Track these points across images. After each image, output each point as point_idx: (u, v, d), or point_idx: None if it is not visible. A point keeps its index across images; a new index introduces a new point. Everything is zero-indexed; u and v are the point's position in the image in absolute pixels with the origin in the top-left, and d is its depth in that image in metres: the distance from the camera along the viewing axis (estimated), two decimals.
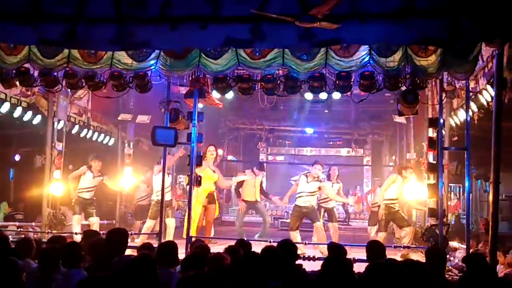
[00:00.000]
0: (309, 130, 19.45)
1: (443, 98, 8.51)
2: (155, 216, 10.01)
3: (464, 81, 7.95)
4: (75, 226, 10.28)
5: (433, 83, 9.65)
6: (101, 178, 10.98)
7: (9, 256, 4.76)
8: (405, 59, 7.25)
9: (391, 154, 19.18)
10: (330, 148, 21.94)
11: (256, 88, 8.33)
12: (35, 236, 9.40)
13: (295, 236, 9.78)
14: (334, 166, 12.00)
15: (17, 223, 10.96)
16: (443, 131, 8.56)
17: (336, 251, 5.69)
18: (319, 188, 10.31)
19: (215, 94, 9.20)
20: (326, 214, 11.14)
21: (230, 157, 20.88)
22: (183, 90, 9.26)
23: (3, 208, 12.21)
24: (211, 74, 7.98)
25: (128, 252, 5.32)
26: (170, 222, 10.24)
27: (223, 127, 19.90)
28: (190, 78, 8.36)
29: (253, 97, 9.15)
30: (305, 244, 9.23)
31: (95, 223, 10.56)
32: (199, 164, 8.64)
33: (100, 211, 13.59)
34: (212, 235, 10.46)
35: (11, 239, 8.06)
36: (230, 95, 9.05)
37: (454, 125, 10.05)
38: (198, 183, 8.69)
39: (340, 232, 11.45)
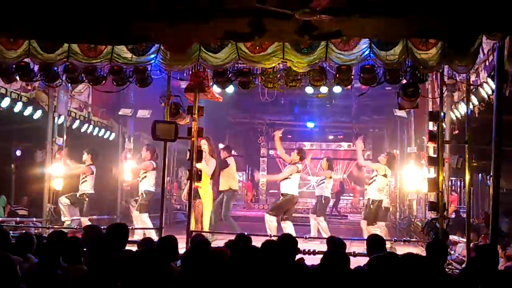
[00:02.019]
0: (310, 124, 19.44)
1: (443, 91, 8.49)
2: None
3: (464, 74, 7.93)
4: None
5: (434, 77, 9.64)
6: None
7: (10, 251, 4.76)
8: (406, 52, 7.21)
9: (392, 148, 19.16)
10: (331, 142, 21.97)
11: (257, 82, 8.31)
12: (36, 231, 9.42)
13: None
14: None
15: (17, 219, 10.95)
16: (443, 124, 8.54)
17: (335, 245, 5.70)
18: None
19: (216, 88, 9.18)
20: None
21: (231, 150, 20.85)
22: (183, 84, 9.23)
23: (2, 202, 12.21)
24: (211, 68, 7.96)
25: (128, 247, 5.31)
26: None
27: (223, 121, 19.89)
28: (190, 72, 8.35)
29: (253, 91, 9.13)
30: (306, 238, 9.24)
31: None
32: (200, 159, 8.64)
33: (101, 207, 13.66)
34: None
35: (12, 234, 8.09)
36: (230, 89, 9.03)
37: (454, 118, 10.03)
38: (199, 177, 8.69)
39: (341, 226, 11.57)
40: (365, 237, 9.79)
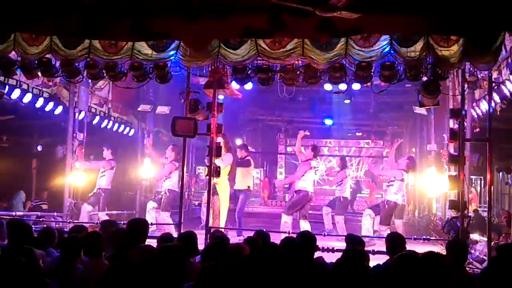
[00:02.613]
0: (328, 122, 19.35)
1: (465, 88, 8.39)
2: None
3: (486, 72, 7.83)
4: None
5: (455, 74, 9.52)
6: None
7: (32, 245, 4.83)
8: (427, 49, 7.13)
9: (411, 145, 19.00)
10: (350, 140, 21.83)
11: (276, 79, 8.30)
12: (57, 225, 9.54)
13: None
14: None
15: (39, 213, 11.09)
16: (464, 122, 8.44)
17: (354, 242, 5.69)
18: None
19: (235, 85, 9.19)
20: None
21: (249, 148, 20.85)
22: (203, 81, 9.26)
23: (23, 196, 12.37)
24: (230, 64, 7.96)
25: (148, 242, 5.35)
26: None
27: (242, 118, 19.89)
28: (210, 69, 8.36)
29: (272, 88, 9.12)
30: (324, 235, 9.22)
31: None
32: (219, 155, 8.67)
33: (120, 202, 13.78)
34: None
35: (33, 228, 8.20)
36: (249, 86, 9.03)
37: (476, 116, 9.91)
38: (217, 174, 8.71)
39: (358, 224, 11.53)
40: (366, 226, 9.90)
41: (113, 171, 11.02)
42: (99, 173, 10.99)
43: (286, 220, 10.28)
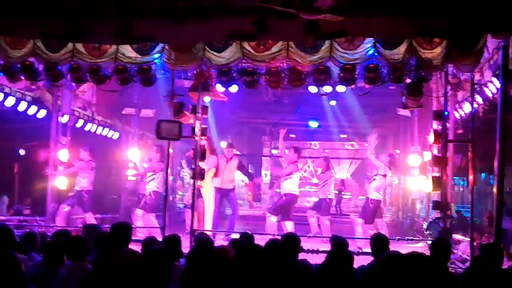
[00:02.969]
0: (313, 124, 19.40)
1: (447, 90, 8.47)
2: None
3: (469, 73, 7.91)
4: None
5: (438, 76, 9.60)
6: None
7: (14, 249, 4.78)
8: (410, 51, 7.21)
9: (395, 147, 19.13)
10: (334, 142, 21.91)
11: (261, 82, 8.31)
12: (39, 230, 9.43)
13: None
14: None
15: (21, 217, 10.97)
16: (447, 124, 8.52)
17: (338, 244, 5.70)
18: None
19: (220, 88, 9.19)
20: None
21: (234, 151, 20.84)
22: (188, 83, 9.24)
23: (6, 201, 12.23)
24: (215, 67, 7.96)
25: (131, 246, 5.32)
26: None
27: (227, 121, 19.87)
28: (195, 72, 8.35)
29: (257, 90, 9.13)
30: (309, 237, 9.23)
31: None
32: (203, 158, 8.65)
33: (103, 205, 13.67)
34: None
35: (15, 233, 8.10)
36: (234, 88, 9.03)
37: (459, 117, 10.00)
38: (202, 177, 8.70)
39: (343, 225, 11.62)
40: (359, 235, 9.94)
41: (93, 172, 10.89)
42: (80, 174, 10.84)
43: (272, 221, 10.28)
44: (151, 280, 3.48)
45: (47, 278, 4.45)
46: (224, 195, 10.74)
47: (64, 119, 11.14)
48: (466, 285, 4.43)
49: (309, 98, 15.93)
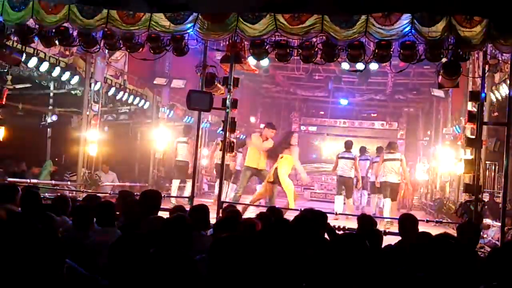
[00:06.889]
0: (344, 101, 19.20)
1: (485, 71, 8.24)
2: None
3: (508, 55, 7.67)
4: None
5: (476, 56, 9.36)
6: None
7: (47, 211, 4.87)
8: (449, 29, 6.99)
9: (426, 128, 18.84)
10: (364, 121, 21.65)
11: (293, 55, 8.19)
12: (70, 194, 9.62)
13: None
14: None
15: (53, 182, 11.14)
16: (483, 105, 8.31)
17: (365, 222, 5.65)
18: None
19: (251, 61, 9.11)
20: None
21: (262, 126, 20.83)
22: (219, 55, 9.19)
23: (49, 166, 12.42)
24: (248, 39, 7.87)
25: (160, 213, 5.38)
26: None
27: (256, 94, 19.80)
28: (227, 43, 8.28)
29: (288, 65, 9.02)
30: (336, 214, 9.22)
31: None
32: (233, 130, 8.61)
33: (133, 174, 13.85)
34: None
35: (47, 196, 8.28)
36: (265, 62, 8.93)
37: (494, 100, 9.76)
38: (231, 149, 8.69)
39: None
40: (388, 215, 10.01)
41: None
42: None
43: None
44: (173, 246, 3.51)
45: (77, 241, 4.53)
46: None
47: (97, 86, 11.25)
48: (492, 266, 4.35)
49: (340, 75, 15.78)
